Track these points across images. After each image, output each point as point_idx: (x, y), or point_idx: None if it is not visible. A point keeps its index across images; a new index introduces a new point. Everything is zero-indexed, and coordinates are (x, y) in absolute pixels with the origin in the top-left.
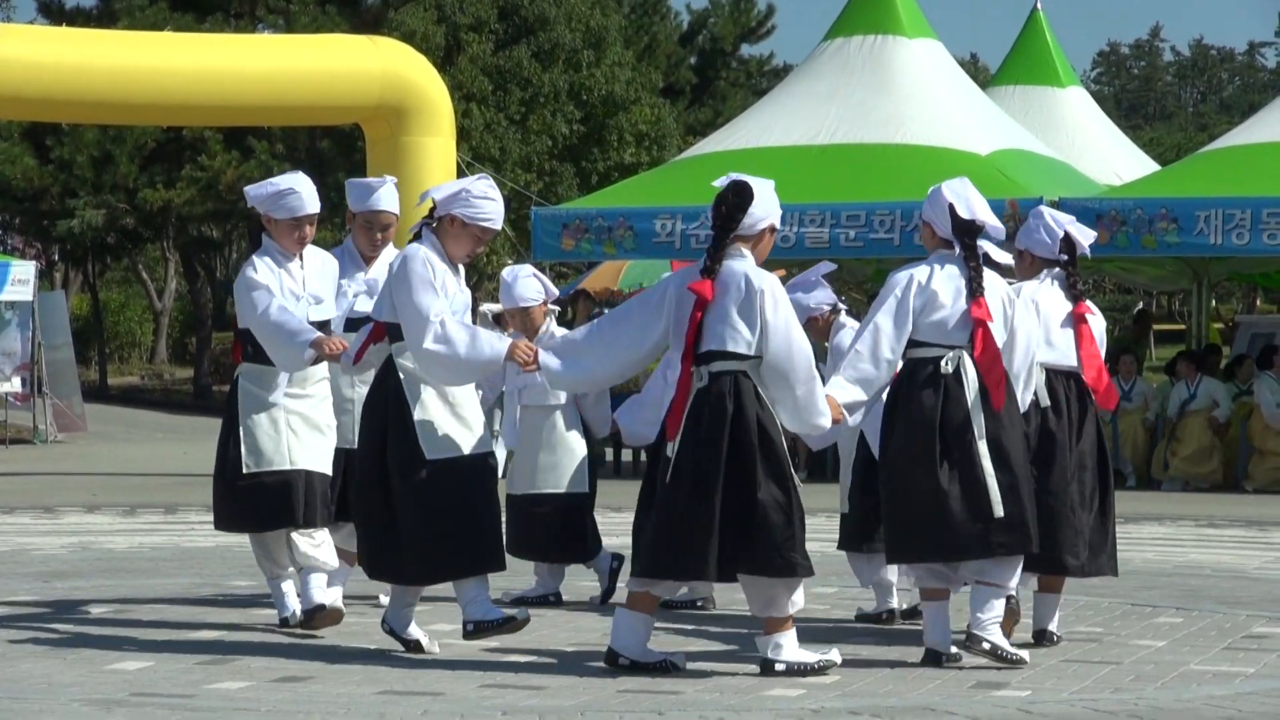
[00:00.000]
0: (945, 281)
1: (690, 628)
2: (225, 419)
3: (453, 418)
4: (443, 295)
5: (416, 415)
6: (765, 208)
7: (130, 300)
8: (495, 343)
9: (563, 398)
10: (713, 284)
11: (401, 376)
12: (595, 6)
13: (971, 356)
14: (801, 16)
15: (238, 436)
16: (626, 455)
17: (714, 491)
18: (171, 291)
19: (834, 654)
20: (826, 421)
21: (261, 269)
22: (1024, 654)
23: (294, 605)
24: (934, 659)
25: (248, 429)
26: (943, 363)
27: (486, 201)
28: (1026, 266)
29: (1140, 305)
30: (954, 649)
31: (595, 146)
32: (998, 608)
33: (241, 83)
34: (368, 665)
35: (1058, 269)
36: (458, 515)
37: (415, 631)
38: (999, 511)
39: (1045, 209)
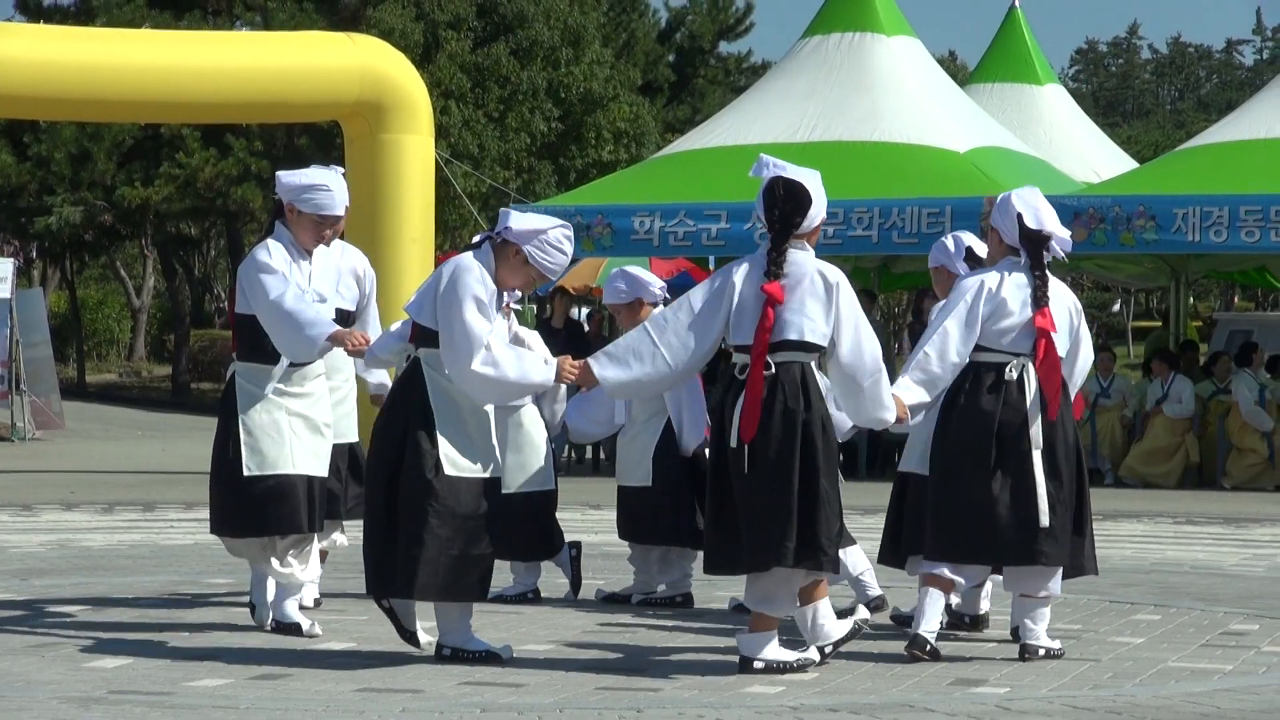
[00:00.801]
0: (1014, 290)
1: (670, 624)
2: (222, 419)
3: (476, 434)
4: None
5: (440, 427)
6: (820, 203)
7: (108, 297)
8: (543, 364)
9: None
10: (781, 285)
11: (429, 384)
12: (574, 4)
13: (1033, 365)
14: (780, 14)
15: (237, 438)
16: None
17: (792, 483)
18: (149, 289)
19: (812, 652)
20: (891, 416)
21: (276, 254)
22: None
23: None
24: (919, 645)
25: (249, 430)
26: (1007, 369)
27: (559, 253)
28: (945, 280)
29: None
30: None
31: (573, 144)
32: (1046, 615)
33: (219, 80)
34: (346, 662)
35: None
36: (464, 538)
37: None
38: (1045, 521)
39: (965, 234)
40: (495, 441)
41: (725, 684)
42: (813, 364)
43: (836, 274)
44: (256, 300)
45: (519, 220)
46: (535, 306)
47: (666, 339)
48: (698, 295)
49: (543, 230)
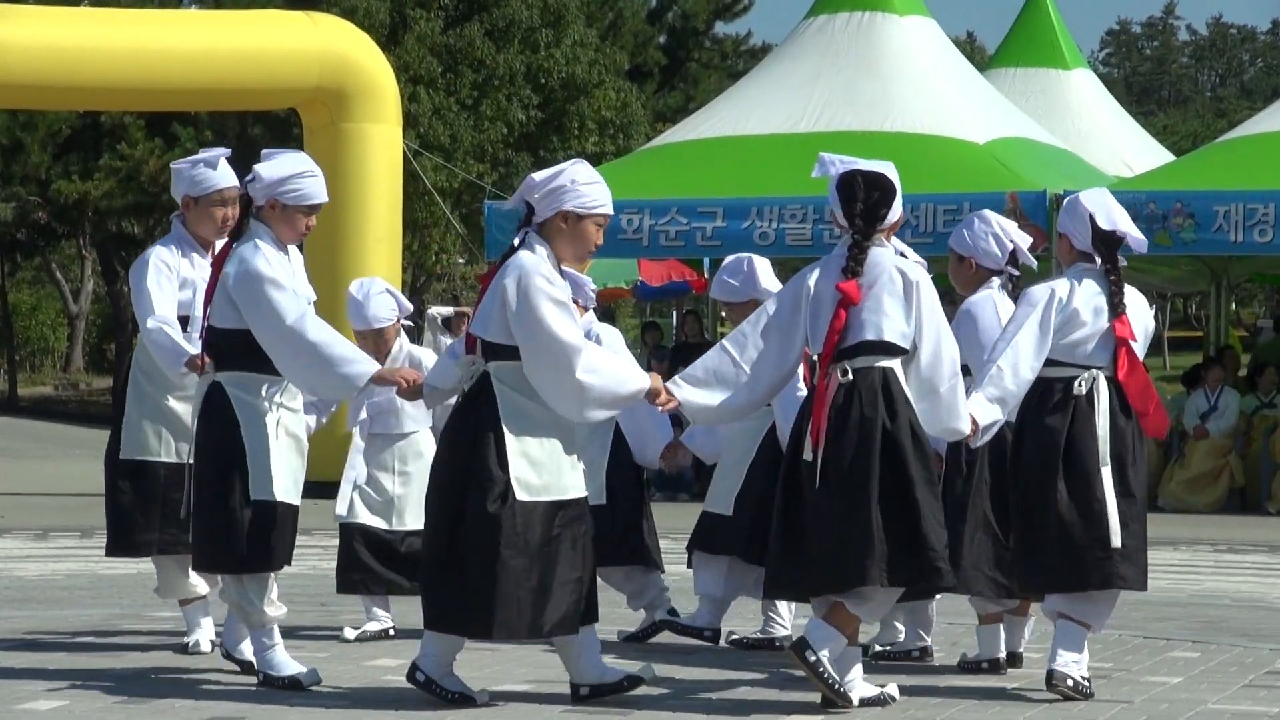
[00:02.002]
0: (1086, 298)
1: (656, 662)
2: (217, 441)
3: (554, 452)
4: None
5: (511, 447)
6: (899, 195)
7: (43, 303)
8: (640, 372)
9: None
10: (858, 284)
11: (500, 400)
12: None
13: (1111, 378)
14: None
15: (242, 461)
16: None
17: (871, 498)
18: (88, 293)
19: (892, 688)
20: (966, 427)
21: (274, 262)
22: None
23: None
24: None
25: (256, 453)
26: (1077, 384)
27: (595, 186)
28: (969, 275)
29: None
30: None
31: (555, 134)
32: (1084, 648)
33: (165, 63)
34: (303, 705)
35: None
36: (543, 566)
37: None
38: (1116, 542)
39: (991, 215)
40: (577, 456)
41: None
42: (896, 368)
43: (917, 271)
44: (265, 324)
45: (537, 189)
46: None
47: (749, 356)
48: (774, 305)
49: (566, 178)
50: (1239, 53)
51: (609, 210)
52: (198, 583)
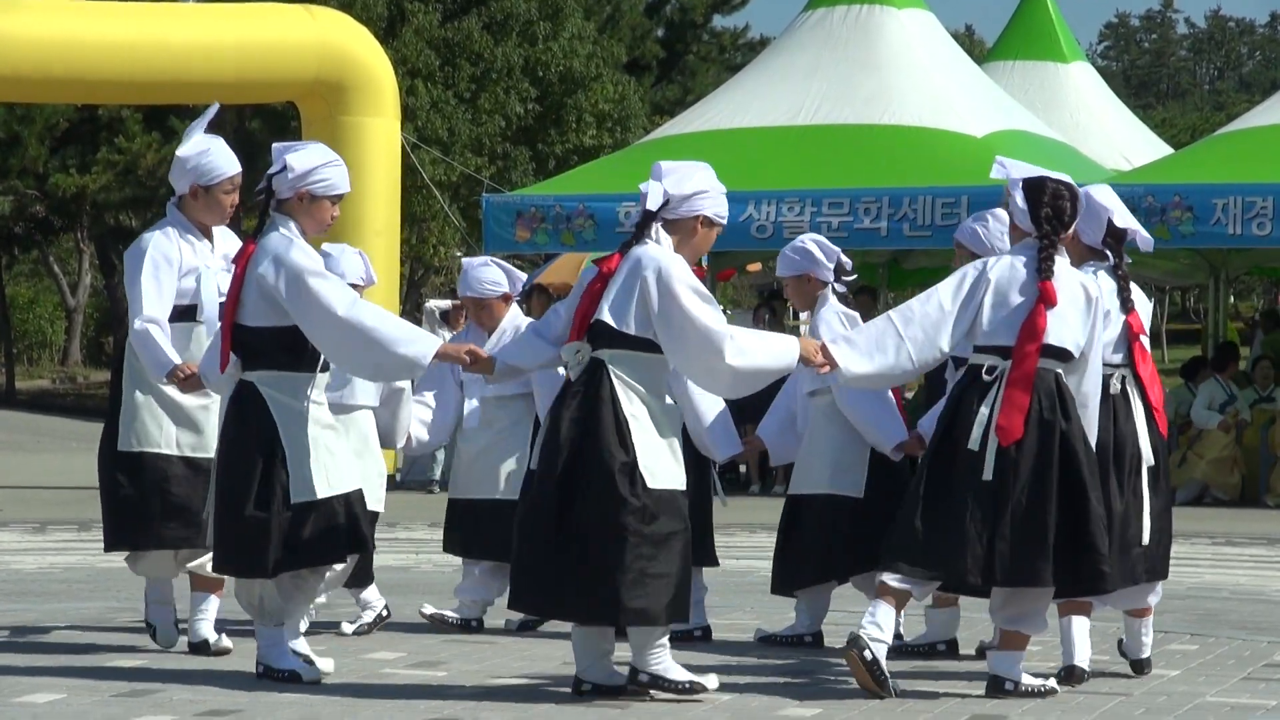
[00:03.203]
0: (1108, 295)
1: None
2: (253, 443)
3: (671, 441)
4: None
5: (636, 436)
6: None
7: (40, 296)
8: (789, 344)
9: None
10: (1053, 286)
11: (619, 391)
12: None
13: (1134, 374)
14: None
15: (282, 463)
16: None
17: (1049, 498)
18: (86, 286)
19: (1052, 681)
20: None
21: (310, 252)
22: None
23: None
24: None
25: (296, 454)
26: (1111, 383)
27: (723, 196)
28: (966, 258)
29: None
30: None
31: (553, 127)
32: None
33: (163, 56)
34: (300, 696)
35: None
36: (665, 556)
37: (612, 676)
38: (1146, 539)
39: (1002, 211)
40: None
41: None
42: (1063, 373)
43: (1096, 287)
44: (318, 317)
45: (682, 184)
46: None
47: (912, 332)
48: (948, 291)
49: (708, 181)
50: (1237, 46)
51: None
52: (174, 568)
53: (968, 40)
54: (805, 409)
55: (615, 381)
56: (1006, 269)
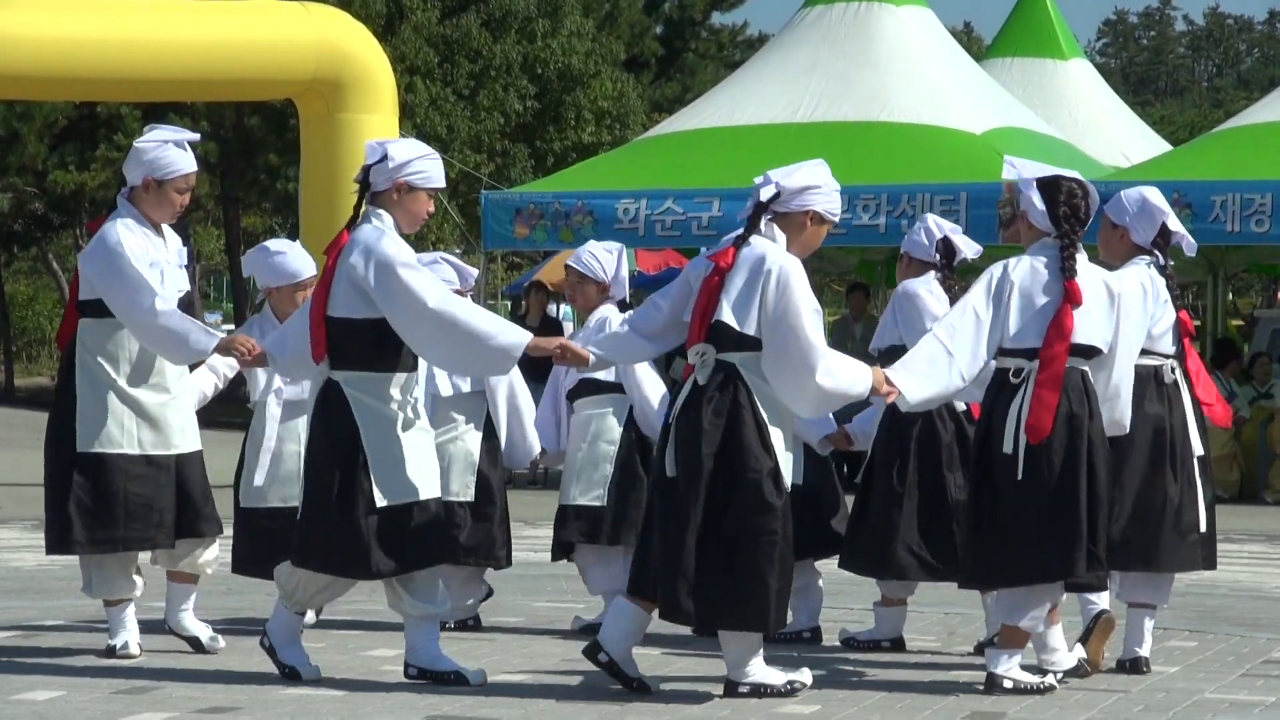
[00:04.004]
0: (1162, 290)
1: (655, 654)
2: (337, 446)
3: (795, 445)
4: None
5: (774, 438)
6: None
7: (39, 293)
8: (865, 372)
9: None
10: (1079, 285)
11: (755, 392)
12: None
13: (1183, 367)
14: None
15: (365, 468)
16: None
17: (1079, 492)
18: None
19: (1050, 679)
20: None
21: (403, 245)
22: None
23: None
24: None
25: (380, 458)
26: (1164, 372)
27: (837, 193)
28: (905, 267)
29: None
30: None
31: (551, 124)
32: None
33: (161, 53)
34: (300, 693)
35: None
36: (789, 562)
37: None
38: (1204, 526)
39: (930, 216)
40: None
41: (717, 718)
42: (1090, 370)
43: (1118, 284)
44: (407, 309)
45: (792, 178)
46: (509, 303)
47: (958, 347)
48: (980, 300)
49: (820, 175)
50: (1236, 43)
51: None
52: (133, 583)
53: (966, 37)
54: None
55: (750, 385)
56: (1028, 271)
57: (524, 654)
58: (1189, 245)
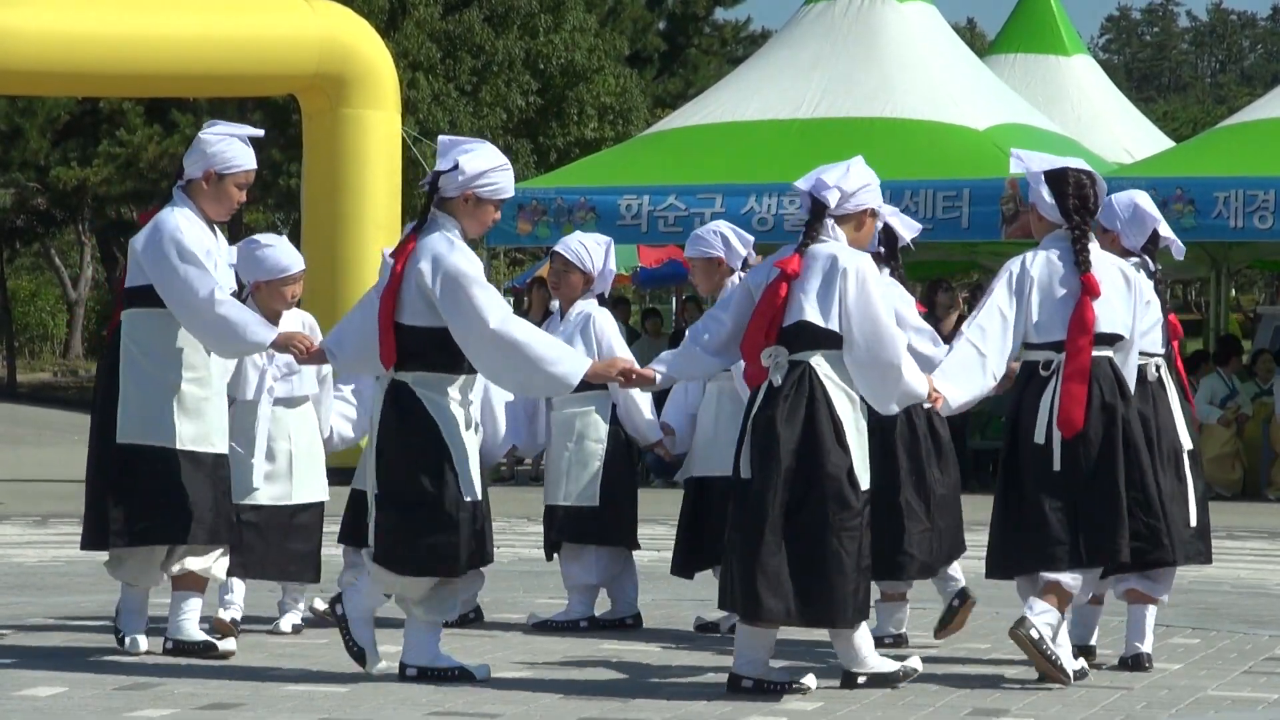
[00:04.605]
0: (1151, 290)
1: (657, 649)
2: (418, 445)
3: (866, 444)
4: None
5: (850, 437)
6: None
7: (42, 289)
8: (924, 377)
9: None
10: (1095, 277)
11: (830, 392)
12: None
13: (1171, 365)
14: None
15: (452, 463)
16: None
17: (1118, 480)
18: (87, 279)
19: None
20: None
21: (473, 258)
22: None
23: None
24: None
25: (459, 455)
26: (1149, 370)
27: (879, 187)
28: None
29: None
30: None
31: (554, 120)
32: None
33: (164, 49)
34: (302, 689)
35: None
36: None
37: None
38: (1194, 521)
39: None
40: None
41: (721, 715)
42: (1115, 356)
43: (1130, 270)
44: (469, 325)
45: (869, 189)
46: (512, 299)
47: (989, 348)
48: (1004, 298)
49: (870, 181)
50: (1239, 39)
51: None
52: (160, 576)
53: (969, 33)
54: (697, 391)
55: (825, 384)
56: (1045, 264)
57: (526, 650)
58: (1178, 249)
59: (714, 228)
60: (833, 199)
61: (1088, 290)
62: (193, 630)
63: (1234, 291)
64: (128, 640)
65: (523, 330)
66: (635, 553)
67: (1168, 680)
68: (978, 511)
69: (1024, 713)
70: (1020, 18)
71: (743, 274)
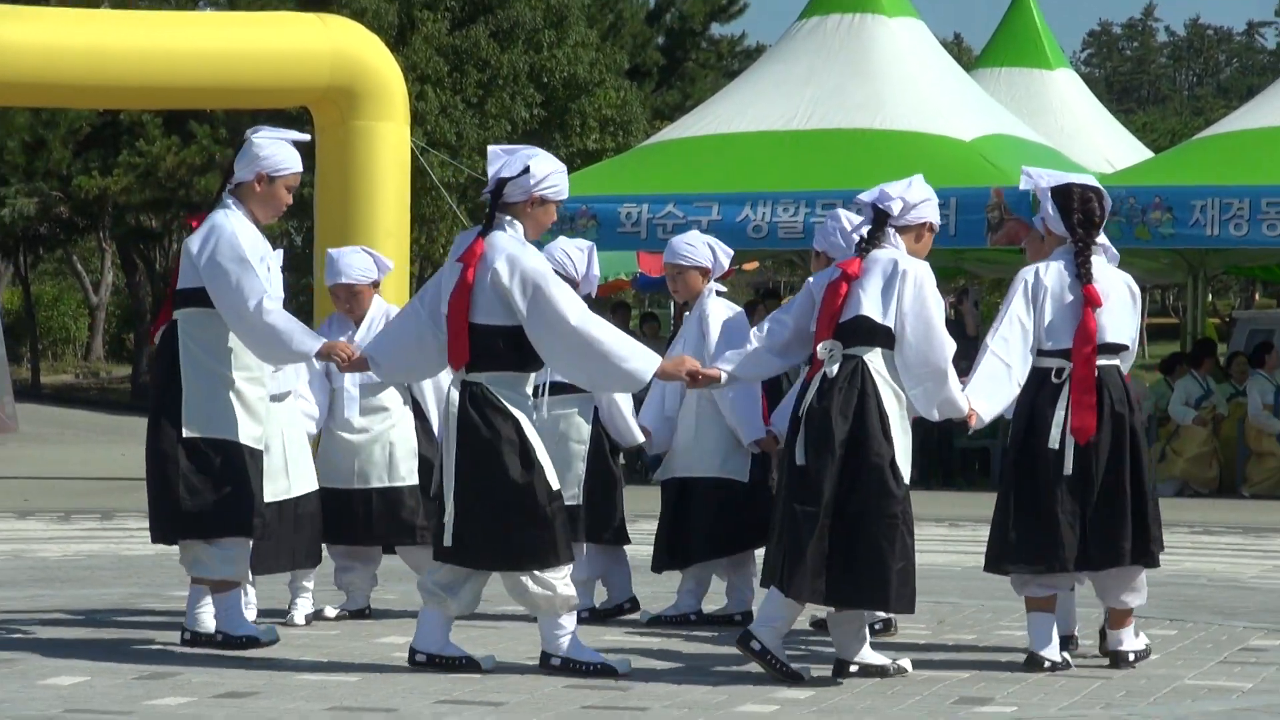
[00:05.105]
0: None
1: (657, 641)
2: (505, 442)
3: (910, 440)
4: None
5: (895, 431)
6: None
7: (64, 294)
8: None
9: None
10: (1096, 289)
11: (880, 388)
12: None
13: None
14: None
15: (538, 459)
16: None
17: (1125, 484)
18: (108, 284)
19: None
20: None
21: (544, 258)
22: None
23: None
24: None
25: (541, 451)
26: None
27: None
28: (824, 267)
29: None
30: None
31: (557, 131)
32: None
33: (182, 63)
34: (317, 680)
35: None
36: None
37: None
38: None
39: (841, 211)
40: None
41: (717, 704)
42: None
43: (1133, 282)
44: (549, 323)
45: (917, 192)
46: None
47: (1013, 358)
48: (1021, 308)
49: (927, 194)
50: (1216, 53)
51: None
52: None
53: (956, 48)
54: (675, 395)
55: (876, 378)
56: (1056, 275)
57: (530, 641)
58: (1112, 255)
59: (701, 239)
60: (896, 208)
61: (1089, 301)
62: (211, 622)
63: (1210, 296)
64: (264, 637)
65: (599, 327)
66: (630, 546)
67: (1146, 670)
68: (963, 508)
69: (1007, 701)
70: (1005, 33)
71: (717, 283)
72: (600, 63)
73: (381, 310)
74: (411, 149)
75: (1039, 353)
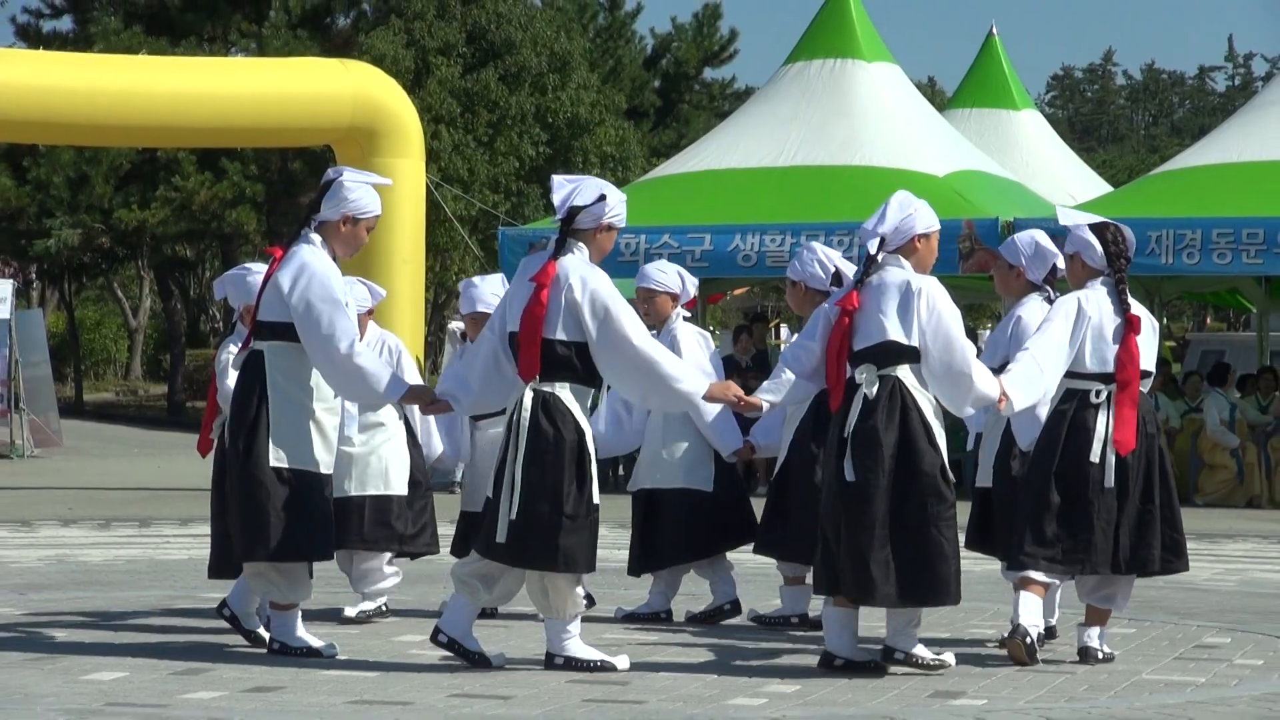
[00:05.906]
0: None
1: (656, 639)
2: (570, 451)
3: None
4: None
5: (938, 437)
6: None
7: (105, 318)
8: (995, 382)
9: None
10: (1138, 317)
11: (920, 403)
12: (560, 31)
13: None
14: (763, 40)
15: (591, 471)
16: None
17: (1155, 495)
18: (146, 309)
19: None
20: None
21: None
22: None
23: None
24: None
25: (593, 463)
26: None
27: (928, 208)
28: (800, 296)
29: None
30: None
31: (561, 167)
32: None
33: (215, 105)
34: (339, 675)
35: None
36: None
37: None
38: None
39: (816, 244)
40: None
41: (709, 697)
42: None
43: (1150, 315)
44: (615, 344)
45: (892, 216)
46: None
47: (1046, 365)
48: (1064, 330)
49: (909, 208)
50: (1170, 95)
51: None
52: (309, 589)
53: (930, 90)
54: (641, 411)
55: (913, 393)
56: (1098, 305)
57: (538, 639)
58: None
59: (672, 267)
60: (873, 246)
61: (1132, 328)
62: (257, 619)
63: (1165, 320)
64: (325, 650)
65: (657, 349)
66: (615, 553)
67: (1107, 665)
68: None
69: (979, 694)
70: (975, 76)
71: (684, 309)
72: (601, 104)
73: (376, 335)
74: (427, 184)
75: (1078, 375)
